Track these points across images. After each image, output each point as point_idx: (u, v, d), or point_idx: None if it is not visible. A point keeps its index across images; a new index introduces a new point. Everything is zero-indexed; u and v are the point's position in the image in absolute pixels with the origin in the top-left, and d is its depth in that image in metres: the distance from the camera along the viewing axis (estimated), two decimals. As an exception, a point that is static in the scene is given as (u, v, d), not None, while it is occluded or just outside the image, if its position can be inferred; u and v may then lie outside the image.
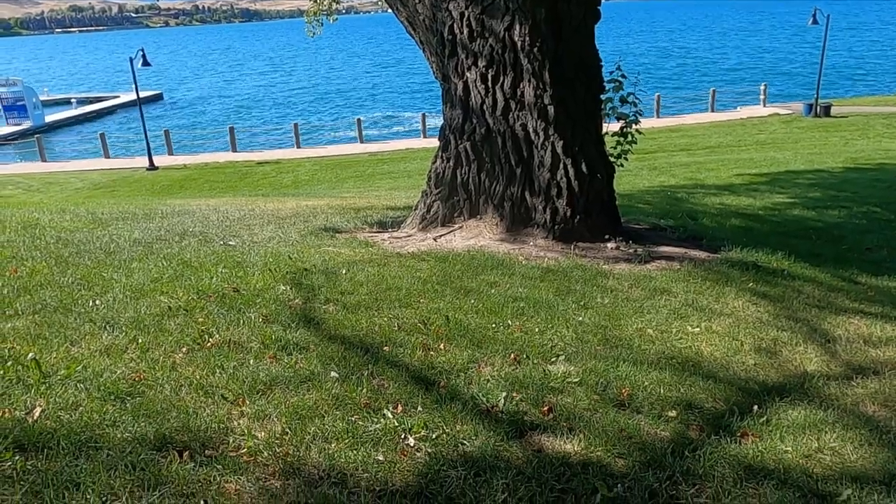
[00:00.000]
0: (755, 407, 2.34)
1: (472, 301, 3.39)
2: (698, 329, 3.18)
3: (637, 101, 5.55)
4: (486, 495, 1.74)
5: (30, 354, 2.36)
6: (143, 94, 25.87)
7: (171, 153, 22.46)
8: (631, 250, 4.62)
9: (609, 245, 4.72)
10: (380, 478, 1.80)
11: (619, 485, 1.80)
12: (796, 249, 4.87)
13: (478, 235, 4.88)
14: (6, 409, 2.00)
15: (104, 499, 1.62)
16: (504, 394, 2.31)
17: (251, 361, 2.50)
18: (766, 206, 7.17)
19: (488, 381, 2.45)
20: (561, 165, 4.70)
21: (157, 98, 39.86)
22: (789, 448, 2.06)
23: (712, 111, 24.84)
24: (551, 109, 4.60)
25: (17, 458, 1.74)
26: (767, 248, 4.80)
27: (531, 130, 4.70)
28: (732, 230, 5.71)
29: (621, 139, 5.61)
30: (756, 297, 3.74)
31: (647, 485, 1.81)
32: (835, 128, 19.40)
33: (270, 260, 4.04)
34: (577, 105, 4.72)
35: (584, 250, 4.59)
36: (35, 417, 1.96)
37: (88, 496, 1.61)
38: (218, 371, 2.38)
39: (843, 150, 14.69)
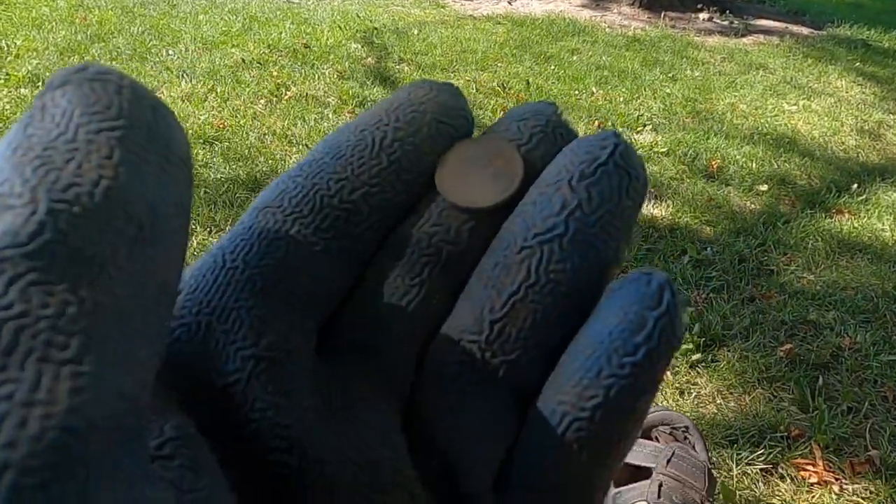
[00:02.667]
0: (854, 186, 2.23)
1: (553, 67, 3.20)
2: (795, 107, 2.97)
3: None
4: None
5: (115, 97, 2.37)
6: None
7: None
8: (725, 22, 4.22)
9: (701, 16, 4.30)
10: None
11: (707, 248, 1.79)
12: (913, 29, 4.36)
13: (556, 0, 4.49)
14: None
15: (208, 229, 1.69)
16: (589, 159, 2.25)
17: (330, 115, 2.46)
18: (881, -19, 6.34)
19: (572, 146, 2.37)
20: (659, -82, 4.14)
21: None
22: (886, 227, 1.99)
23: None
24: None
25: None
26: (879, 27, 4.32)
27: None
28: (840, 6, 5.12)
29: None
30: (862, 77, 3.43)
31: (737, 250, 1.79)
32: None
33: (338, 17, 3.83)
34: None
35: (674, 20, 4.21)
36: (131, 155, 2.01)
37: (194, 226, 1.69)
38: (299, 122, 2.37)
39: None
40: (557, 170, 0.15)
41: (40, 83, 2.48)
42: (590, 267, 0.15)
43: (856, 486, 1.13)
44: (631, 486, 0.93)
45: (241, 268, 0.14)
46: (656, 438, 1.01)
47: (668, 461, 0.94)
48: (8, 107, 2.25)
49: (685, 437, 1.01)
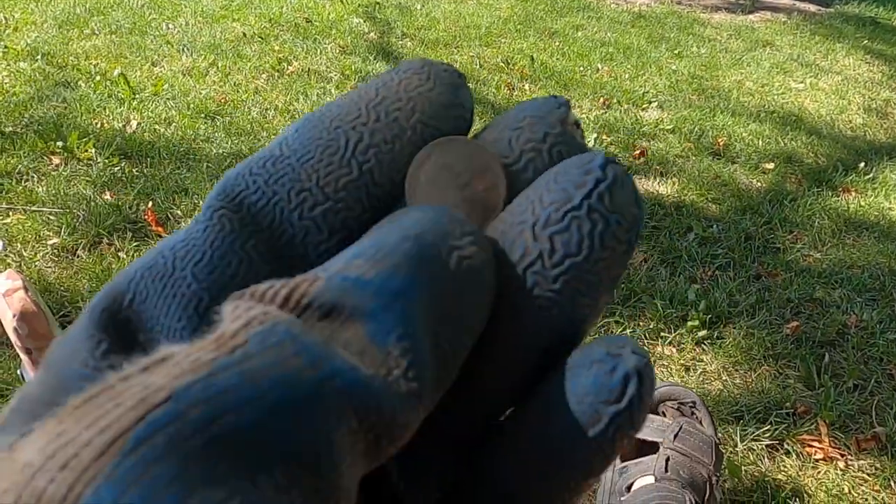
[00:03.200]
0: (861, 164, 2.21)
1: (557, 43, 3.16)
2: (802, 85, 2.94)
3: None
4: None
5: (116, 71, 2.34)
6: None
7: None
8: (732, -1, 4.16)
9: (708, -8, 4.24)
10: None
11: (713, 226, 1.78)
12: (922, 7, 4.31)
13: (562, -25, 4.42)
14: (104, 121, 2.03)
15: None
16: (594, 135, 2.23)
17: (333, 90, 2.44)
18: (890, -42, 6.25)
19: (577, 123, 2.35)
20: None
21: None
22: (893, 206, 1.98)
23: None
24: None
25: (123, 163, 1.80)
26: (888, 4, 4.26)
27: None
28: (849, -17, 5.05)
29: None
30: (870, 55, 3.39)
31: (743, 228, 1.78)
32: None
33: (340, -8, 3.77)
34: None
35: (680, -4, 4.15)
36: (132, 129, 1.99)
37: (196, 200, 1.68)
38: (301, 97, 2.34)
39: None
40: (526, 206, 0.13)
41: (39, 56, 2.45)
42: (548, 330, 0.13)
43: (861, 462, 1.13)
44: (637, 460, 0.92)
45: (189, 281, 0.13)
46: (663, 413, 1.00)
47: (676, 436, 0.94)
48: (7, 80, 2.23)
49: (692, 413, 1.00)
